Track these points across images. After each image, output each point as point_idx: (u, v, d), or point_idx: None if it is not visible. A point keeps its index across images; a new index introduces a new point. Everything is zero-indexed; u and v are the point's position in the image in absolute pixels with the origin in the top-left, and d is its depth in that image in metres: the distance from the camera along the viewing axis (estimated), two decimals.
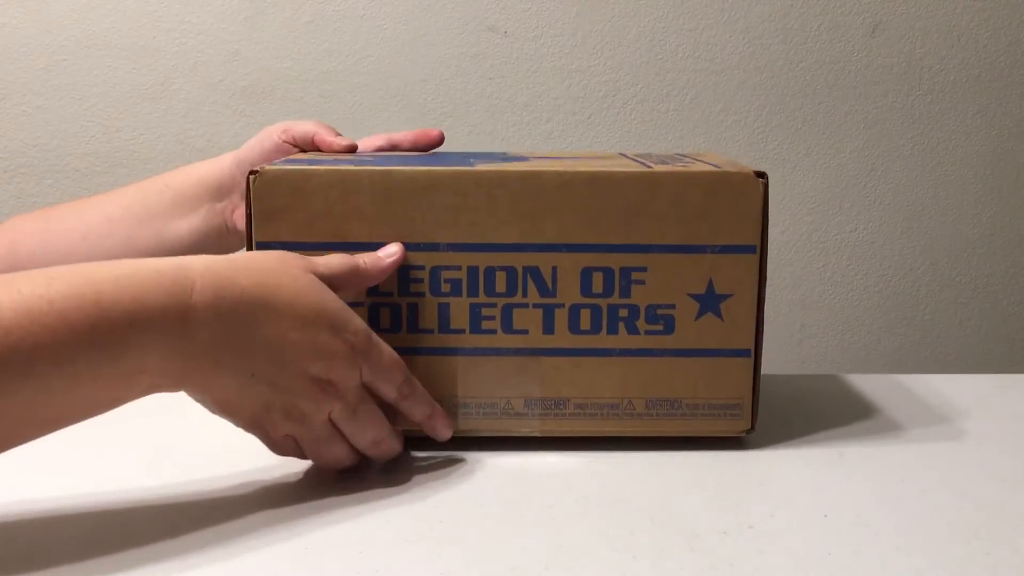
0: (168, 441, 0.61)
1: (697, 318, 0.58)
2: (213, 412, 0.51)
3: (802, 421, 0.65)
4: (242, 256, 0.51)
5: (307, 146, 0.70)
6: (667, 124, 1.23)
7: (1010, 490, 0.55)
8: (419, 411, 0.56)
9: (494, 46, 1.22)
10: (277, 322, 0.49)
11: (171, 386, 0.48)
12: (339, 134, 0.70)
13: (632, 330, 0.58)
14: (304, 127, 0.71)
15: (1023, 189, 1.12)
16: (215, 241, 0.74)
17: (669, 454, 0.60)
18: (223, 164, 0.73)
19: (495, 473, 0.56)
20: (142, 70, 1.10)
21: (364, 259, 0.56)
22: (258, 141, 0.72)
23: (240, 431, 0.52)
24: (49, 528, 0.50)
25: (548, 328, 0.58)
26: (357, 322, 0.52)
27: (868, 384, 0.74)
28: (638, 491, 0.55)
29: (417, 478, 0.56)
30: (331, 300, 0.52)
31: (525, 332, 0.58)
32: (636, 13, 1.21)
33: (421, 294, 0.58)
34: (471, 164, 0.59)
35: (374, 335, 0.53)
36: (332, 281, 0.53)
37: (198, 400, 0.50)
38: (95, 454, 0.59)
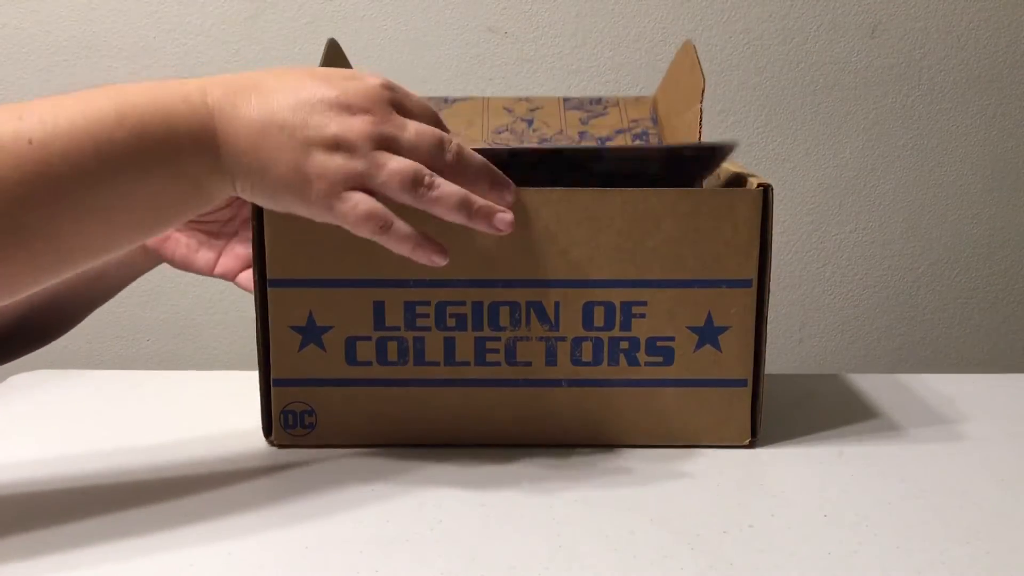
0: (170, 438, 0.61)
1: (696, 350, 0.59)
2: (279, 201, 0.50)
3: (802, 421, 0.65)
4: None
5: None
6: None
7: (1010, 490, 0.55)
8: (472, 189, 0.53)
9: (494, 46, 1.22)
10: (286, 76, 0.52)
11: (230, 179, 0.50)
12: None
13: (632, 362, 0.59)
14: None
15: (1023, 189, 1.12)
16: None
17: (669, 453, 0.60)
18: None
19: (495, 473, 0.56)
20: (142, 70, 1.10)
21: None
22: None
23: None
24: (53, 519, 0.50)
25: (551, 360, 0.59)
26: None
27: (868, 384, 0.74)
28: (638, 491, 0.55)
29: (417, 478, 0.56)
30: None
31: (528, 364, 0.59)
32: (636, 13, 1.21)
33: (427, 328, 0.58)
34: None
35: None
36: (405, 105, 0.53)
37: (266, 193, 0.50)
38: (95, 451, 0.59)
